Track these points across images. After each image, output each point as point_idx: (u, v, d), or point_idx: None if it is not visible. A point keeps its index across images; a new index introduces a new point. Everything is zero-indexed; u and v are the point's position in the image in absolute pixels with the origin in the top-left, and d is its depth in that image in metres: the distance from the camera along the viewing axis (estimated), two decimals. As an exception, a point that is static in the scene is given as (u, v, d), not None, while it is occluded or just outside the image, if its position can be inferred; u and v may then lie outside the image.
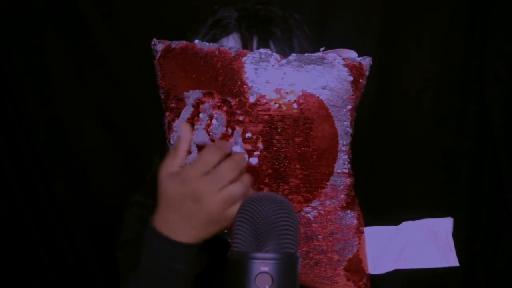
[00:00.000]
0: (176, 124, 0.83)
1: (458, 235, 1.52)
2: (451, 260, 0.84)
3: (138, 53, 1.50)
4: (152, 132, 1.05)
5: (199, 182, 0.75)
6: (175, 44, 0.84)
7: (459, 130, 1.51)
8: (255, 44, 0.92)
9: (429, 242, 0.84)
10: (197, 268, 0.81)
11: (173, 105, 0.84)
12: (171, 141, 0.85)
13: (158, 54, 0.85)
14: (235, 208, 0.73)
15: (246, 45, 0.92)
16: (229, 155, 0.78)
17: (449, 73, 1.49)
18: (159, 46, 0.85)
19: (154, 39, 0.86)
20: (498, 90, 1.46)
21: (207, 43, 0.83)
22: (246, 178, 0.77)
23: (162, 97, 0.86)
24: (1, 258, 1.52)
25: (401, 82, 1.50)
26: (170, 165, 0.78)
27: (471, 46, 1.47)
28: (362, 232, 0.84)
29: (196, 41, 0.84)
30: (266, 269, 0.59)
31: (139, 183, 1.06)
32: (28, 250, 1.52)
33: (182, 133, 0.80)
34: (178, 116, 0.83)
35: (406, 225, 0.85)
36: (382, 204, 1.42)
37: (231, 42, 0.93)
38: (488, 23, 1.44)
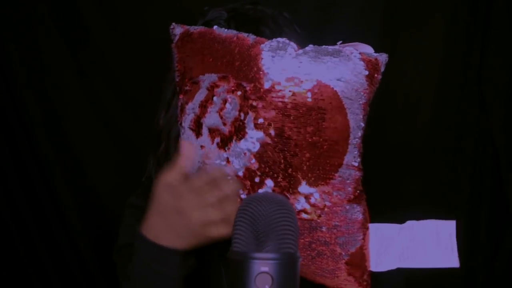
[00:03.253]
0: (189, 106, 0.84)
1: (458, 235, 1.52)
2: (452, 261, 0.84)
3: (138, 52, 1.50)
4: (148, 133, 1.05)
5: (186, 197, 0.79)
6: (193, 28, 0.85)
7: (459, 130, 1.51)
8: None
9: (431, 242, 0.85)
10: (184, 271, 0.84)
11: (187, 88, 0.84)
12: (183, 124, 0.85)
13: (176, 38, 0.86)
14: (213, 230, 0.78)
15: None
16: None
17: (449, 73, 1.49)
18: (177, 29, 0.86)
19: (173, 23, 0.87)
20: (498, 90, 1.46)
21: (225, 29, 0.84)
22: (229, 206, 0.79)
23: (177, 80, 0.87)
24: (1, 258, 1.52)
25: (401, 82, 1.50)
26: (168, 176, 0.81)
27: (471, 46, 1.47)
28: (367, 228, 0.84)
29: (215, 27, 0.84)
30: (266, 269, 0.59)
31: (139, 184, 1.06)
32: (28, 250, 1.52)
33: (184, 151, 0.82)
34: (192, 98, 0.84)
35: (410, 224, 0.85)
36: (382, 204, 1.42)
37: None
38: (488, 23, 1.44)
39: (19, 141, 1.50)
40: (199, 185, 0.80)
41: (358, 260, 0.83)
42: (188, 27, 0.86)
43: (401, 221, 1.43)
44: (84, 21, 1.48)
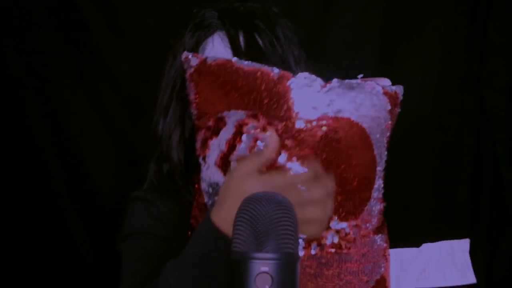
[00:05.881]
0: (214, 142, 0.82)
1: (458, 235, 1.52)
2: (469, 278, 0.86)
3: (138, 53, 1.50)
4: (147, 137, 1.05)
5: (285, 191, 0.70)
6: (211, 60, 0.82)
7: (459, 130, 1.51)
8: (241, 39, 0.92)
9: (448, 262, 0.87)
10: None
11: (210, 124, 0.83)
12: (206, 159, 0.84)
13: (192, 69, 0.83)
14: (309, 228, 0.73)
15: (234, 40, 0.92)
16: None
17: (449, 73, 1.49)
18: (193, 60, 0.83)
19: (185, 52, 0.84)
20: (498, 90, 1.47)
21: (245, 61, 0.80)
22: (330, 205, 0.75)
23: (194, 112, 0.85)
24: (1, 258, 1.53)
25: (401, 83, 1.49)
26: (249, 166, 0.75)
27: (471, 46, 1.47)
28: (389, 254, 0.87)
29: (234, 58, 0.81)
30: (266, 269, 0.59)
31: (139, 183, 1.06)
32: (28, 250, 1.52)
33: (270, 143, 0.77)
34: (216, 135, 0.82)
35: (426, 246, 0.88)
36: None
37: (216, 41, 0.93)
38: (488, 24, 1.44)
39: (19, 142, 1.50)
40: (303, 179, 0.74)
41: (382, 285, 0.85)
42: (203, 57, 0.82)
43: (399, 222, 1.43)
44: (84, 21, 1.48)
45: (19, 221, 1.51)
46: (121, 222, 1.02)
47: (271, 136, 0.77)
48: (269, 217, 0.61)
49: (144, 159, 1.05)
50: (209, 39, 0.94)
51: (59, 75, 1.50)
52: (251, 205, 0.63)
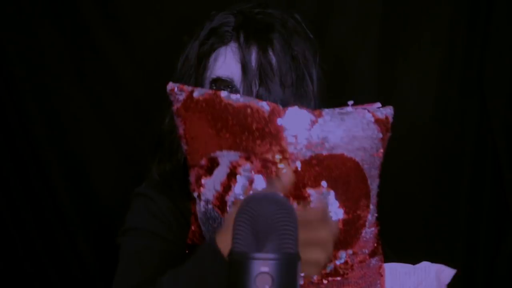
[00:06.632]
0: (208, 182, 0.82)
1: (458, 235, 1.52)
2: None
3: (139, 53, 1.50)
4: (149, 135, 1.04)
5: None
6: (198, 94, 0.80)
7: (460, 130, 1.51)
8: (253, 55, 0.91)
9: (435, 286, 0.89)
10: None
11: (203, 163, 0.82)
12: (201, 197, 0.84)
13: (179, 104, 0.81)
14: (309, 269, 0.71)
15: (245, 57, 0.90)
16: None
17: (449, 73, 1.49)
18: (179, 94, 0.81)
19: (171, 83, 0.82)
20: (499, 90, 1.47)
21: (234, 95, 0.79)
22: (331, 248, 0.73)
23: (185, 147, 0.84)
24: (1, 258, 1.52)
25: (401, 83, 1.50)
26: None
27: (471, 46, 1.47)
28: (384, 269, 0.88)
29: (222, 93, 0.79)
30: (266, 269, 0.59)
31: (139, 183, 1.06)
32: (28, 250, 1.52)
33: (285, 178, 0.76)
34: (210, 174, 0.81)
35: (424, 265, 0.89)
36: (382, 203, 1.41)
37: (229, 55, 0.92)
38: (489, 23, 1.44)
39: (19, 141, 1.50)
40: (311, 218, 0.72)
41: None
42: (189, 89, 0.81)
43: (400, 222, 1.43)
44: (84, 21, 1.48)
45: (19, 221, 1.51)
46: (121, 222, 1.02)
47: (286, 173, 0.76)
48: (269, 217, 0.61)
49: (144, 158, 1.05)
50: (222, 50, 0.93)
51: (59, 75, 1.50)
52: (251, 205, 0.63)
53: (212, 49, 0.94)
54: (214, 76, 0.93)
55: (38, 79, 1.49)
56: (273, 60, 0.91)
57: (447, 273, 0.90)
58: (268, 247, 0.60)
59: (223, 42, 0.93)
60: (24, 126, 1.49)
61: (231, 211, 0.77)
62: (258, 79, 0.90)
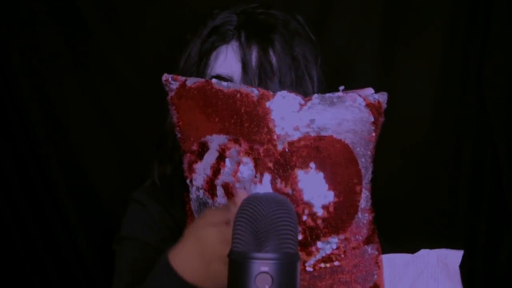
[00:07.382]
0: (199, 166, 0.83)
1: (458, 235, 1.52)
2: None
3: (139, 53, 1.50)
4: (150, 133, 1.05)
5: None
6: (190, 82, 0.83)
7: (459, 130, 1.51)
8: (254, 54, 0.91)
9: (442, 271, 0.87)
10: None
11: (194, 148, 0.83)
12: (193, 182, 0.85)
13: (173, 93, 0.84)
14: None
15: (245, 55, 0.91)
16: None
17: (449, 74, 1.49)
18: (173, 84, 0.84)
19: (166, 74, 0.84)
20: (498, 91, 1.46)
21: (224, 82, 0.81)
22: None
23: (179, 135, 0.86)
24: (1, 258, 1.52)
25: (401, 83, 1.49)
26: (215, 217, 0.75)
27: (471, 47, 1.47)
28: (381, 260, 0.87)
29: (213, 80, 0.82)
30: (266, 269, 0.59)
31: (139, 183, 1.06)
32: (28, 250, 1.52)
33: (238, 200, 0.75)
34: (201, 159, 0.83)
35: (423, 253, 0.88)
36: (382, 203, 1.42)
37: (230, 51, 0.92)
38: (488, 24, 1.44)
39: (19, 141, 1.50)
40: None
41: None
42: (183, 79, 0.83)
43: (400, 222, 1.43)
44: (84, 21, 1.48)
45: (19, 221, 1.51)
46: (121, 223, 1.03)
47: (240, 195, 0.75)
48: (269, 217, 0.62)
49: (145, 158, 1.05)
50: (223, 48, 0.93)
51: (59, 75, 1.50)
52: (251, 205, 0.63)
53: (214, 47, 0.94)
54: (214, 74, 0.94)
55: (38, 79, 1.49)
56: (273, 60, 0.92)
57: (454, 255, 0.88)
58: (268, 247, 0.60)
59: (225, 40, 0.94)
60: (24, 126, 1.49)
61: (195, 223, 0.77)
62: (258, 78, 0.91)
